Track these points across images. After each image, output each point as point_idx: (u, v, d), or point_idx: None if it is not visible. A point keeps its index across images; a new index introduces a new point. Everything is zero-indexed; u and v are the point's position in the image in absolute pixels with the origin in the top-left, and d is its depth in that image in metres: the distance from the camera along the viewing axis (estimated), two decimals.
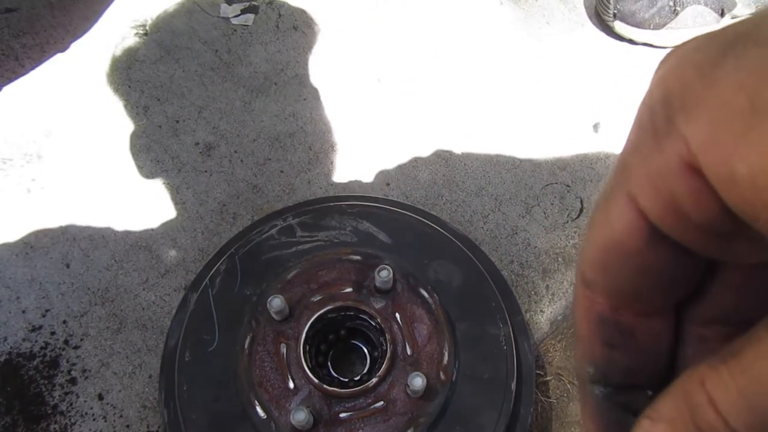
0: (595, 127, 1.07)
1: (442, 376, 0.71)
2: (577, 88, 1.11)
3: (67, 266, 0.88)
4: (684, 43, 0.12)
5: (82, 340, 0.82)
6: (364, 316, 0.76)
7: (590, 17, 1.22)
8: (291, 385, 0.70)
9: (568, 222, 0.97)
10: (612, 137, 1.05)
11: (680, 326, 0.17)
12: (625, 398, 0.18)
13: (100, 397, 0.78)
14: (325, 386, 0.69)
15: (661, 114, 0.13)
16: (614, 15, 1.14)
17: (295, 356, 0.72)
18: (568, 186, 1.00)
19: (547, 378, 0.86)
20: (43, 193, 0.95)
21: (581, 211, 0.98)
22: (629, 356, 0.17)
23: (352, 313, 0.77)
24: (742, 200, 0.11)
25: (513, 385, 0.72)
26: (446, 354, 0.73)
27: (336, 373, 0.78)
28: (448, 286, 0.79)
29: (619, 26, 1.15)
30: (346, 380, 0.75)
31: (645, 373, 0.18)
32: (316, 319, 0.74)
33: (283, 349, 0.73)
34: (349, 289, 0.78)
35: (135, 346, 0.82)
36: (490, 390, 0.71)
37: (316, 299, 0.77)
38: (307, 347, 0.73)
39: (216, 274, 0.79)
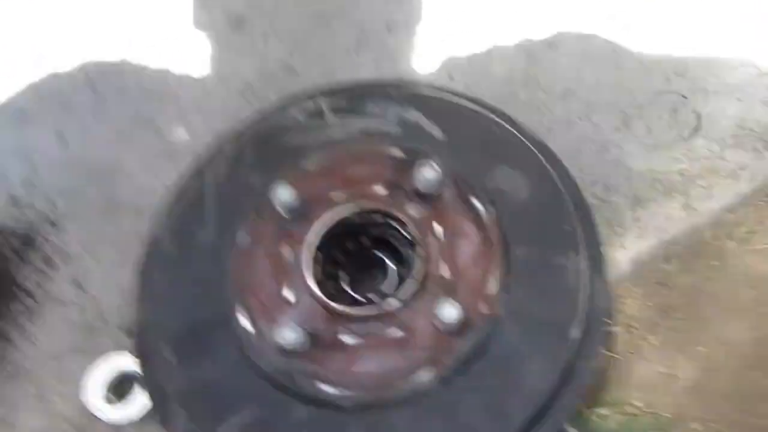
0: None
1: (484, 310, 0.55)
2: None
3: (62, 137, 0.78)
4: None
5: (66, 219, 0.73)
6: (395, 224, 0.60)
7: None
8: (288, 295, 0.56)
9: (677, 142, 0.77)
10: (753, 37, 0.80)
11: None
12: None
13: (77, 284, 0.69)
14: (328, 301, 0.54)
15: None
16: None
17: (299, 263, 0.56)
18: (685, 97, 0.80)
19: (615, 328, 0.67)
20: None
21: (696, 129, 0.77)
22: None
23: (380, 219, 0.61)
24: None
25: (575, 332, 0.55)
26: (493, 282, 0.56)
27: (352, 291, 0.62)
28: (511, 200, 0.62)
29: None
30: (361, 299, 0.60)
31: None
32: (333, 221, 0.58)
33: (287, 253, 0.58)
34: (381, 189, 0.62)
35: (124, 233, 0.71)
36: (544, 334, 0.56)
37: (338, 197, 0.61)
38: (319, 254, 0.58)
39: (220, 158, 0.65)
